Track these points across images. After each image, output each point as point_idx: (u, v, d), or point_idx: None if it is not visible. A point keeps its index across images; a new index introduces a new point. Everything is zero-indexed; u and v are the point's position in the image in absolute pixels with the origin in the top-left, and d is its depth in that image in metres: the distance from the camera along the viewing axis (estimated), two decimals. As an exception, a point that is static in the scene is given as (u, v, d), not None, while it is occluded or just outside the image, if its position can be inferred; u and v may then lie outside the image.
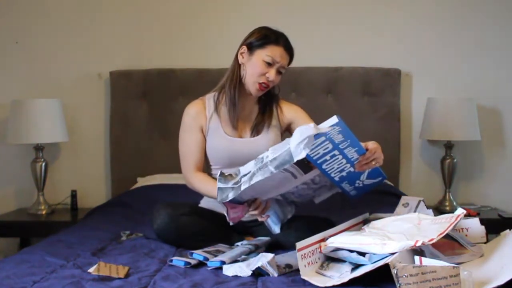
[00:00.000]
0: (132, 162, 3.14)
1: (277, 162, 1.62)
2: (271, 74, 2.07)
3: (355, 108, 3.15)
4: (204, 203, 2.20)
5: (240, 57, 2.12)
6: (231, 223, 1.81)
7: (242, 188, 1.68)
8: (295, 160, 1.58)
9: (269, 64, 2.07)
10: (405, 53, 3.24)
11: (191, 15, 3.24)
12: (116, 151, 3.17)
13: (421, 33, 3.24)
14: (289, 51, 2.12)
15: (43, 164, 3.04)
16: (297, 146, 1.58)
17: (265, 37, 2.08)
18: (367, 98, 3.17)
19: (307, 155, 1.60)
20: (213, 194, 1.90)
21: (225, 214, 1.77)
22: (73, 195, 3.11)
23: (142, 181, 2.99)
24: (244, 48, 2.11)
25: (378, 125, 3.14)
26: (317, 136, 1.59)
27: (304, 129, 1.59)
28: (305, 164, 1.68)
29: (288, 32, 3.16)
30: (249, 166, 1.70)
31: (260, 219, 1.87)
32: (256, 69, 2.07)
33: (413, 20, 3.24)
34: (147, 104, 3.17)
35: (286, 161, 1.60)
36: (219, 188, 1.73)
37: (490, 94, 3.22)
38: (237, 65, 2.13)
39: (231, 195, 1.71)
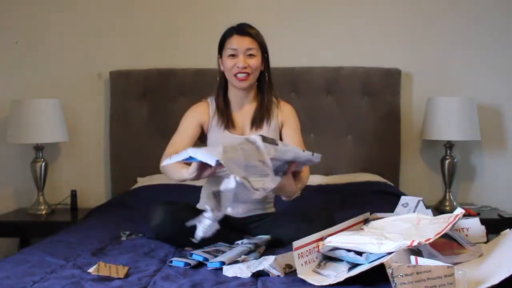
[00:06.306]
0: (132, 162, 3.14)
1: None
2: (239, 61, 2.18)
3: (355, 108, 3.15)
4: (201, 205, 2.20)
5: (221, 66, 2.27)
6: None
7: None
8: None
9: (233, 55, 2.19)
10: (405, 53, 3.24)
11: (191, 15, 3.24)
12: (116, 151, 3.17)
13: (421, 33, 3.23)
14: (243, 33, 2.21)
15: (43, 164, 3.04)
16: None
17: (221, 38, 2.25)
18: (367, 98, 3.17)
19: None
20: (175, 175, 2.01)
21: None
22: (73, 195, 3.11)
23: (142, 181, 2.99)
24: (218, 56, 2.27)
25: (378, 125, 3.14)
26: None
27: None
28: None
29: (288, 32, 3.22)
30: None
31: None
32: (227, 66, 2.21)
33: (413, 20, 3.24)
34: (147, 104, 3.17)
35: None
36: None
37: (490, 94, 3.22)
38: (221, 73, 2.28)
39: None
